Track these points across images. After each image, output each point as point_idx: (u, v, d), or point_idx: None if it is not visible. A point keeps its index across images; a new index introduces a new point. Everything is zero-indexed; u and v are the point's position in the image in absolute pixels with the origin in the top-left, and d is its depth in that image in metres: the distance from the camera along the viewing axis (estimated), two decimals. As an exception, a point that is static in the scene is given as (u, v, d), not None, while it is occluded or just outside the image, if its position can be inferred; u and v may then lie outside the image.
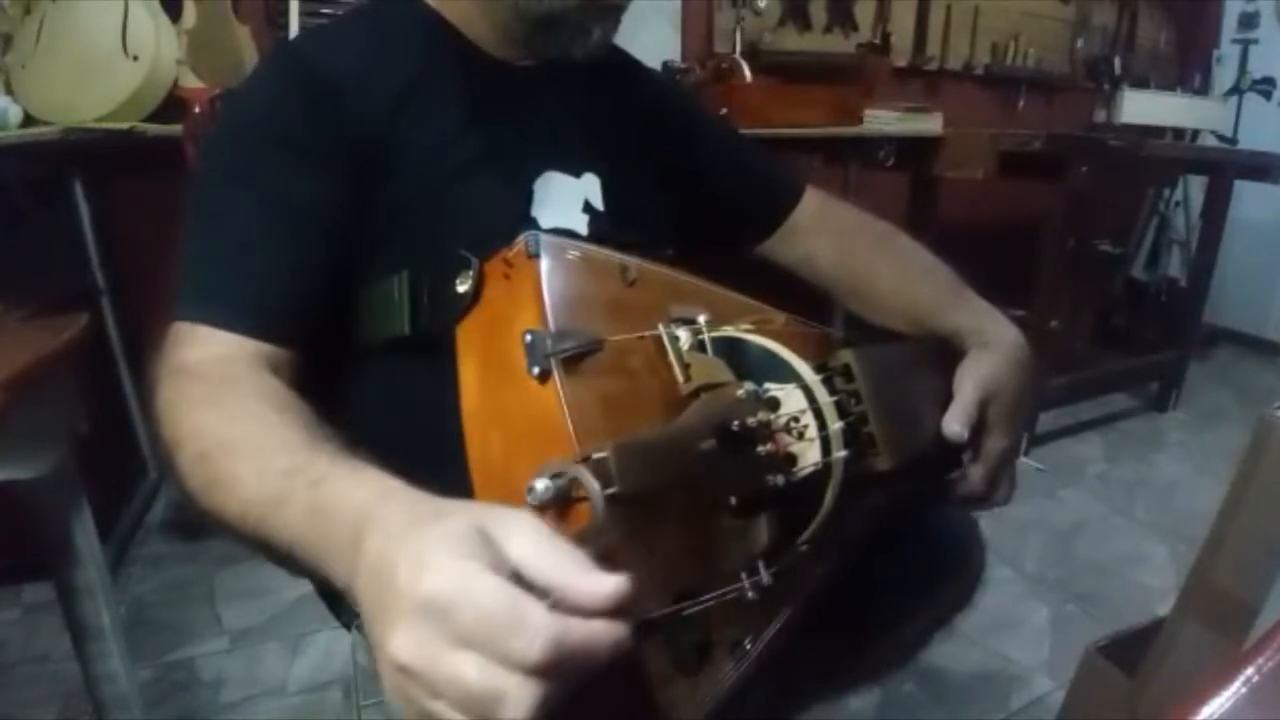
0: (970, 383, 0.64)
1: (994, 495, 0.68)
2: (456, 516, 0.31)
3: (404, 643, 0.28)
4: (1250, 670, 0.31)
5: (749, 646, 0.48)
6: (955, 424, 0.62)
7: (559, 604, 0.29)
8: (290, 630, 1.39)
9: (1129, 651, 0.88)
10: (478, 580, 0.28)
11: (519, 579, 0.29)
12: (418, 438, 0.38)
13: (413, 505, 0.34)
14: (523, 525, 0.31)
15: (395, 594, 0.29)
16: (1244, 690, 0.31)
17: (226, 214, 0.55)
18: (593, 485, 0.36)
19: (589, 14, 0.60)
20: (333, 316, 0.57)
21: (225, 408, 0.45)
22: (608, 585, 0.29)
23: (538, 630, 0.27)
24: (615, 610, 0.29)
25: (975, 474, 0.65)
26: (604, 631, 0.29)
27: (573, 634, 0.28)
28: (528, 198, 0.61)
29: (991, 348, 0.66)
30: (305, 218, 0.55)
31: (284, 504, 0.38)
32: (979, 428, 0.64)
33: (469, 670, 0.27)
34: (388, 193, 0.57)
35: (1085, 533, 1.81)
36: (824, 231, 0.78)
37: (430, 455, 0.37)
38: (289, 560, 0.39)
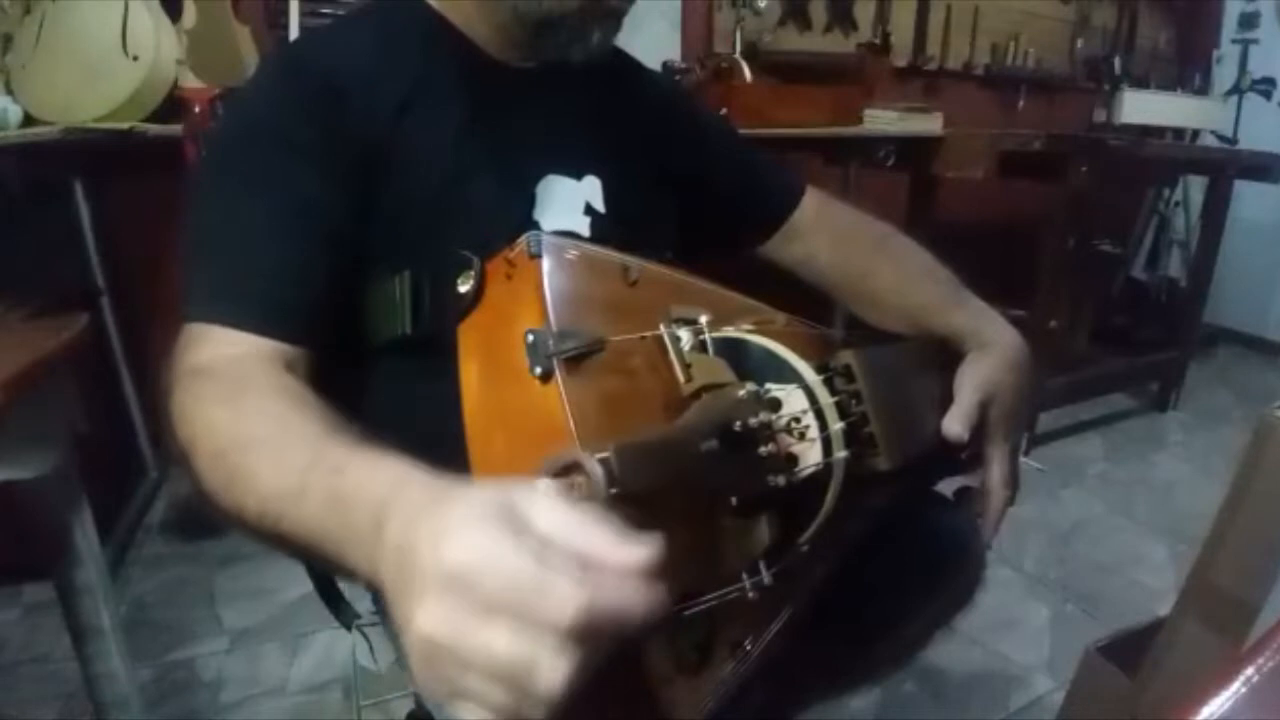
0: (970, 384, 0.64)
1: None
2: (479, 493, 0.31)
3: (431, 616, 0.27)
4: (1250, 670, 0.31)
5: (750, 647, 0.48)
6: (955, 425, 0.62)
7: (590, 571, 0.28)
8: (290, 630, 1.38)
9: (1129, 651, 0.88)
10: (503, 547, 0.28)
11: (545, 551, 0.28)
12: (420, 438, 0.38)
13: (433, 487, 0.33)
14: (547, 498, 0.31)
15: (419, 570, 0.29)
16: (1244, 690, 0.31)
17: (232, 214, 0.55)
18: (595, 470, 0.36)
19: (589, 17, 0.59)
20: (341, 317, 0.57)
21: (240, 405, 0.44)
22: (639, 551, 0.29)
23: (569, 593, 0.26)
24: (645, 576, 0.29)
25: (993, 480, 0.66)
26: (637, 594, 0.28)
27: (605, 596, 0.27)
28: (530, 200, 0.61)
29: (990, 349, 0.67)
30: (311, 217, 0.55)
31: (304, 496, 0.38)
32: (979, 429, 0.64)
33: (499, 639, 0.26)
34: (390, 194, 0.57)
35: (1085, 533, 1.81)
36: (823, 233, 0.78)
37: (433, 456, 0.37)
38: (308, 554, 0.38)
